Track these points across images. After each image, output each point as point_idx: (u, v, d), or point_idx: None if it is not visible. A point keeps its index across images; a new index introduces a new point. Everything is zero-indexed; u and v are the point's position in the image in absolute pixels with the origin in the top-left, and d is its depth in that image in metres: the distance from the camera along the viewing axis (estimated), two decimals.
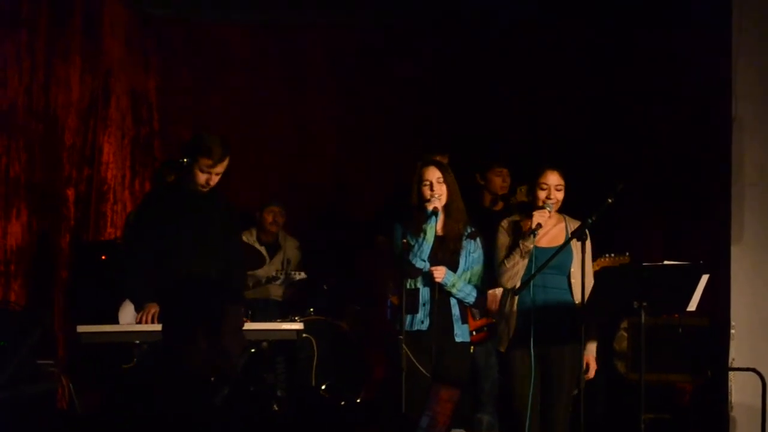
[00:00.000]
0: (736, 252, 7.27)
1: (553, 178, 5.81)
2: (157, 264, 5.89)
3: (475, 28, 9.10)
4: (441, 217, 5.89)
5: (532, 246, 5.72)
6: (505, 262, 5.78)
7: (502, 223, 5.90)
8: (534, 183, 5.84)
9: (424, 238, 5.84)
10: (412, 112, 9.21)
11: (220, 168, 5.90)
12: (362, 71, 9.43)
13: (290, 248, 8.64)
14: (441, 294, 5.85)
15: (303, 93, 9.55)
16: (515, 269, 5.75)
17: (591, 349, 5.83)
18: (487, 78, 9.15)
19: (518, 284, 5.74)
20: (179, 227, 5.94)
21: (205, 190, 5.94)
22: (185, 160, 5.93)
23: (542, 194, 5.80)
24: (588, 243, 5.65)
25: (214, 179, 5.92)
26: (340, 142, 9.54)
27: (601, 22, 8.67)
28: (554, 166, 5.83)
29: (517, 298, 5.76)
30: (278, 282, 8.32)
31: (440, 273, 5.82)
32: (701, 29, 7.90)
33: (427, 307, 5.85)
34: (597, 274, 5.81)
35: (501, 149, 8.28)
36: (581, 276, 5.66)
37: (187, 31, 9.41)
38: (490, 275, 5.92)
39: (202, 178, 5.89)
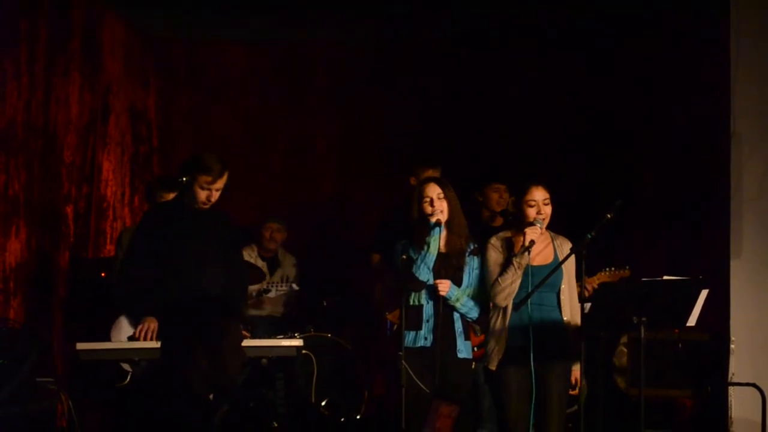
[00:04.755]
0: (735, 267, 7.28)
1: (539, 194, 5.79)
2: (157, 281, 5.92)
3: (474, 43, 9.11)
4: (443, 233, 5.90)
5: (526, 263, 5.71)
6: (500, 280, 5.75)
7: (492, 241, 5.88)
8: (520, 200, 5.83)
9: (427, 251, 5.85)
10: (413, 129, 9.22)
11: (220, 184, 5.97)
12: (363, 88, 9.43)
13: (288, 265, 8.66)
14: (444, 310, 5.84)
15: (303, 110, 9.55)
16: (512, 287, 5.73)
17: (576, 368, 5.82)
18: (488, 94, 9.16)
19: (510, 303, 5.74)
20: (180, 245, 5.99)
21: (206, 207, 6.01)
22: (185, 179, 6.00)
23: (531, 211, 5.78)
24: (577, 260, 5.67)
25: (215, 195, 5.99)
26: (340, 159, 9.54)
27: (600, 39, 8.68)
28: (538, 181, 5.82)
29: (508, 315, 5.75)
30: (270, 294, 8.32)
31: (445, 286, 5.82)
32: (700, 45, 7.92)
33: (431, 323, 5.85)
34: (596, 290, 5.81)
35: (498, 165, 8.28)
36: (576, 293, 5.66)
37: (187, 49, 9.43)
38: (483, 292, 5.91)
39: (202, 195, 5.97)
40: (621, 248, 7.69)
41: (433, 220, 5.86)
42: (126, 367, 6.05)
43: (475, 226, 6.97)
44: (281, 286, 8.33)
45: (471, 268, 5.93)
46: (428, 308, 5.87)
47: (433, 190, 5.93)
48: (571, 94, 8.91)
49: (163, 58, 9.30)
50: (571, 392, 5.79)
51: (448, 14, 8.64)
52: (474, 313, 5.92)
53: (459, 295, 5.87)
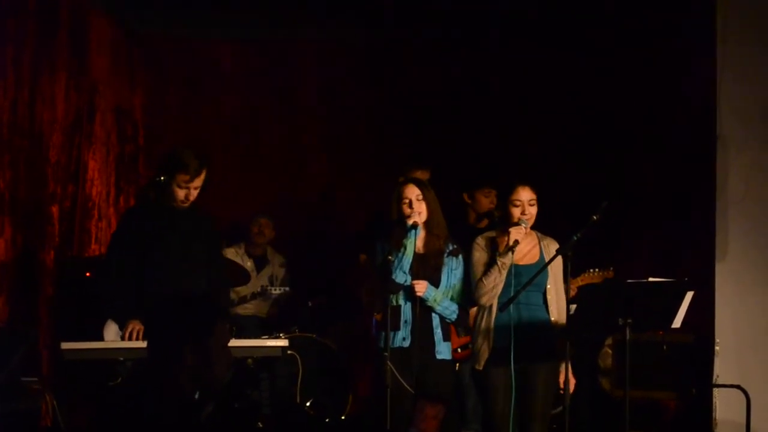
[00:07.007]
0: (720, 269, 7.30)
1: (525, 194, 5.78)
2: (139, 282, 5.87)
3: (466, 46, 9.10)
4: (422, 234, 5.89)
5: (510, 263, 5.70)
6: (483, 280, 5.74)
7: (478, 240, 5.87)
8: (506, 200, 5.82)
9: (404, 253, 5.84)
10: (402, 129, 9.20)
11: (198, 182, 5.89)
12: (352, 88, 9.42)
13: (276, 264, 8.66)
14: (423, 311, 5.83)
15: (292, 109, 9.53)
16: (494, 287, 5.73)
17: (563, 367, 5.82)
18: (478, 97, 9.15)
19: (495, 302, 5.74)
20: (161, 245, 5.92)
21: (185, 205, 5.92)
22: (162, 177, 5.92)
23: (516, 211, 5.77)
24: (564, 261, 5.66)
25: (193, 194, 5.91)
26: (329, 159, 9.52)
27: (587, 40, 8.68)
28: (525, 181, 5.80)
29: (494, 315, 5.75)
30: (264, 297, 8.32)
31: (422, 287, 5.81)
32: (686, 47, 7.93)
33: (409, 324, 5.84)
34: (581, 291, 5.80)
35: (497, 166, 8.28)
36: (564, 293, 5.66)
37: (175, 48, 9.40)
38: (468, 292, 5.91)
39: (180, 193, 5.89)
40: (606, 250, 7.70)
41: (410, 222, 5.84)
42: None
43: (462, 227, 6.98)
44: (275, 290, 8.32)
45: (450, 268, 5.92)
46: (406, 309, 5.86)
47: (412, 192, 5.92)
48: (557, 98, 8.90)
49: (150, 56, 9.27)
50: (561, 392, 5.78)
51: (447, 14, 8.62)
52: (453, 315, 5.89)
53: (437, 295, 5.86)
